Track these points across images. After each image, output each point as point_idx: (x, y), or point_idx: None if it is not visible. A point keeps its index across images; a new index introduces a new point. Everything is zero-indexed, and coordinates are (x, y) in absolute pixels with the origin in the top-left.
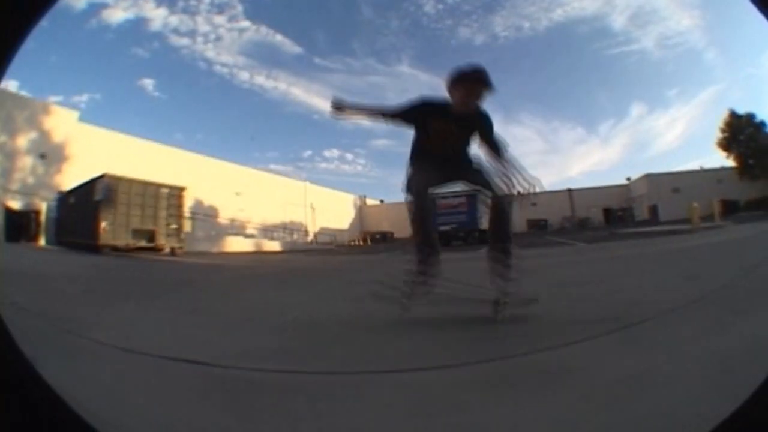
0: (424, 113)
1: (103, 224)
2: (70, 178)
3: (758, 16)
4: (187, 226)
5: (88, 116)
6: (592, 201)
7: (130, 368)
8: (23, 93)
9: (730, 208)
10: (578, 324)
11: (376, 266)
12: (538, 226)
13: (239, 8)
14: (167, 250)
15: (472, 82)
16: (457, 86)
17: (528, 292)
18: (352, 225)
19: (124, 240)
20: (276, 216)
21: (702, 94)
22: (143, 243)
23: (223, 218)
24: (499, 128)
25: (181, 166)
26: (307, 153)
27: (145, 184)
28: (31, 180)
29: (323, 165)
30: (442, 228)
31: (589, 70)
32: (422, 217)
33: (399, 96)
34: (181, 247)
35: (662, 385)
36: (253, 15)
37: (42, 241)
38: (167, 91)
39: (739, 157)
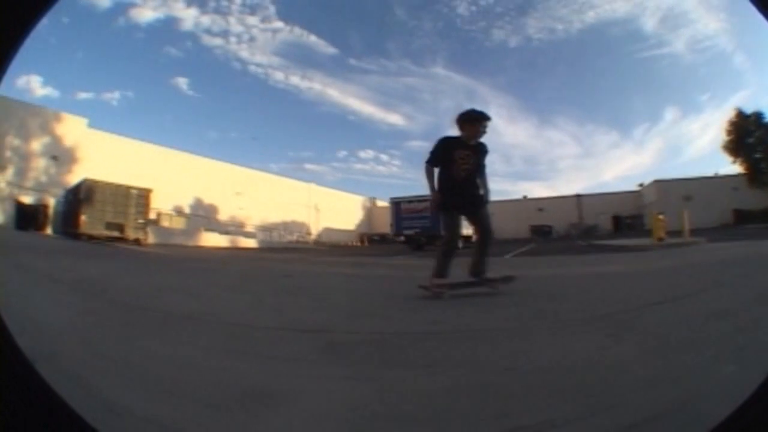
0: (449, 146)
1: (83, 218)
2: (78, 178)
3: None
4: (179, 222)
5: (122, 113)
6: (603, 207)
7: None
8: (42, 93)
9: (741, 219)
10: None
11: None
12: (541, 231)
13: (271, 9)
14: (132, 239)
15: (481, 121)
16: (471, 124)
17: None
18: (359, 226)
19: (99, 231)
20: (277, 216)
21: (733, 98)
22: (116, 233)
23: (223, 216)
24: (534, 132)
25: (181, 168)
26: (342, 153)
27: (117, 186)
28: (44, 178)
29: (358, 166)
30: (407, 232)
31: (622, 73)
32: (454, 226)
33: (434, 97)
34: (144, 239)
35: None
36: (285, 16)
37: (49, 230)
38: (202, 91)
39: (747, 162)
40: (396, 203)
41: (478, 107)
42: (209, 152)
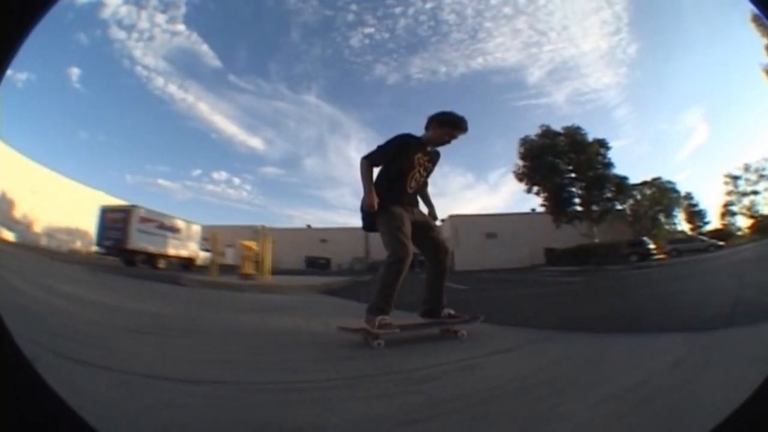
0: (412, 147)
1: None
2: None
3: (682, 72)
4: None
5: None
6: None
7: None
8: None
9: (551, 259)
10: None
11: None
12: (317, 264)
13: (182, 10)
14: None
15: (458, 129)
16: (445, 128)
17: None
18: None
19: None
20: (62, 221)
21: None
22: None
23: (18, 214)
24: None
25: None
26: (197, 172)
27: None
28: None
29: (210, 187)
30: (106, 243)
31: (491, 119)
32: (405, 231)
33: (298, 125)
34: None
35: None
36: (190, 20)
37: None
38: (86, 85)
39: (548, 191)
40: (103, 211)
41: (341, 140)
42: (69, 156)
